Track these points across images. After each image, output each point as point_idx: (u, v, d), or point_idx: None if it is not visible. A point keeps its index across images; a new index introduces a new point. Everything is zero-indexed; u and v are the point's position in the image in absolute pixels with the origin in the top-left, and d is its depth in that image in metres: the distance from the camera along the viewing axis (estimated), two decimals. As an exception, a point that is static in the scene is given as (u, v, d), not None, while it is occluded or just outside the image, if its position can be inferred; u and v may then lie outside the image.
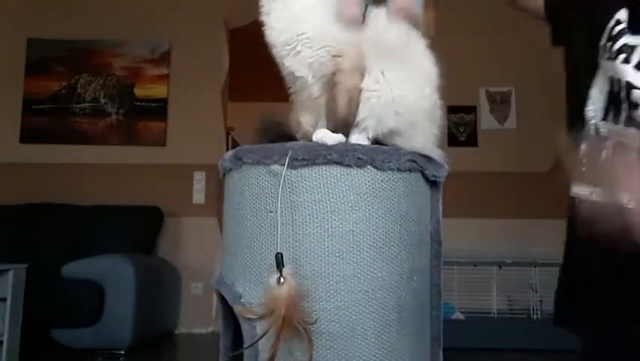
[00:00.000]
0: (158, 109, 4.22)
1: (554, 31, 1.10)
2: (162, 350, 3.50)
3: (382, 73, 0.94)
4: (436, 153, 0.97)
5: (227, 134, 4.76)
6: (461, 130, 4.24)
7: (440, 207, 1.00)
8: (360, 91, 0.95)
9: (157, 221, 3.94)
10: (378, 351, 0.85)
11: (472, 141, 4.21)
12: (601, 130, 0.93)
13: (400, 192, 0.90)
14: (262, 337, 0.83)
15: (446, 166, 0.98)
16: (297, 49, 0.95)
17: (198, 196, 4.13)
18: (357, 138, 0.95)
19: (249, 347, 0.86)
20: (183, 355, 3.54)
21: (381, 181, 0.88)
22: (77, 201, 3.83)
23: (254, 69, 5.55)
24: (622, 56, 0.92)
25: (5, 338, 2.42)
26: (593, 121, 0.94)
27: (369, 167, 0.88)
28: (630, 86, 0.90)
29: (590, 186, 0.92)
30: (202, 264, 3.96)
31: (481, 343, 3.19)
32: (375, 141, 0.96)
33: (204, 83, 4.22)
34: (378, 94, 0.94)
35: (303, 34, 0.95)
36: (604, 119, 0.94)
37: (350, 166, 0.87)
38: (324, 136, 0.93)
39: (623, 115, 0.91)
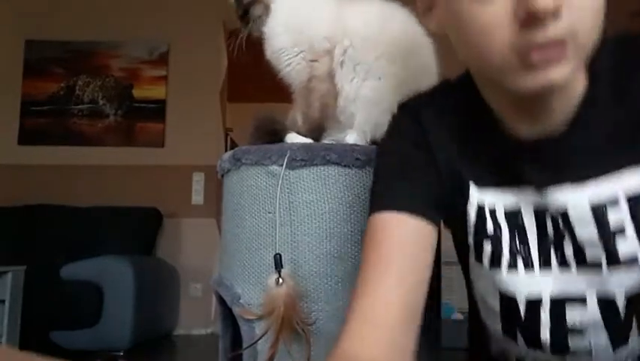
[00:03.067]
0: (157, 110, 4.22)
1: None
2: (161, 352, 3.50)
3: (380, 78, 0.93)
4: None
5: (226, 135, 4.75)
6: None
7: (439, 208, 0.99)
8: (334, 96, 0.96)
9: (156, 222, 3.94)
10: (378, 352, 0.85)
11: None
12: None
13: (399, 193, 0.89)
14: (261, 338, 0.83)
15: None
16: (282, 57, 1.00)
17: (197, 197, 4.12)
18: (356, 139, 0.95)
19: (248, 347, 0.86)
20: (182, 356, 3.54)
21: (380, 181, 0.88)
22: (76, 203, 3.82)
23: (252, 70, 5.57)
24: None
25: (4, 340, 2.42)
26: None
27: (367, 168, 0.87)
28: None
29: None
30: (201, 265, 3.95)
31: (480, 343, 3.19)
32: (374, 142, 0.96)
33: (203, 84, 4.21)
34: (375, 101, 0.93)
35: (281, 48, 1.00)
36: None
37: (349, 167, 0.87)
38: (292, 140, 0.96)
39: None
